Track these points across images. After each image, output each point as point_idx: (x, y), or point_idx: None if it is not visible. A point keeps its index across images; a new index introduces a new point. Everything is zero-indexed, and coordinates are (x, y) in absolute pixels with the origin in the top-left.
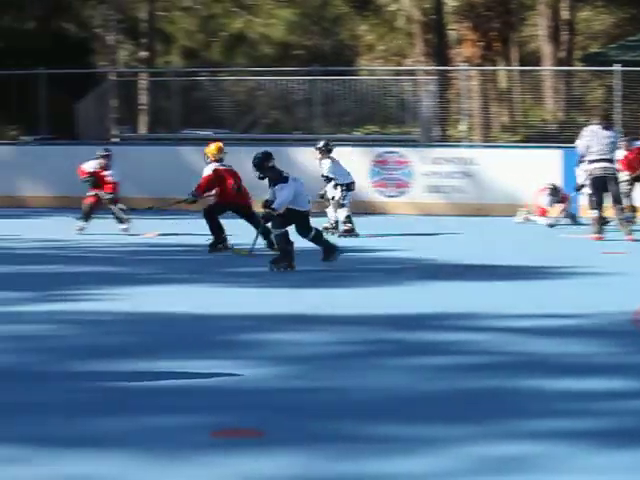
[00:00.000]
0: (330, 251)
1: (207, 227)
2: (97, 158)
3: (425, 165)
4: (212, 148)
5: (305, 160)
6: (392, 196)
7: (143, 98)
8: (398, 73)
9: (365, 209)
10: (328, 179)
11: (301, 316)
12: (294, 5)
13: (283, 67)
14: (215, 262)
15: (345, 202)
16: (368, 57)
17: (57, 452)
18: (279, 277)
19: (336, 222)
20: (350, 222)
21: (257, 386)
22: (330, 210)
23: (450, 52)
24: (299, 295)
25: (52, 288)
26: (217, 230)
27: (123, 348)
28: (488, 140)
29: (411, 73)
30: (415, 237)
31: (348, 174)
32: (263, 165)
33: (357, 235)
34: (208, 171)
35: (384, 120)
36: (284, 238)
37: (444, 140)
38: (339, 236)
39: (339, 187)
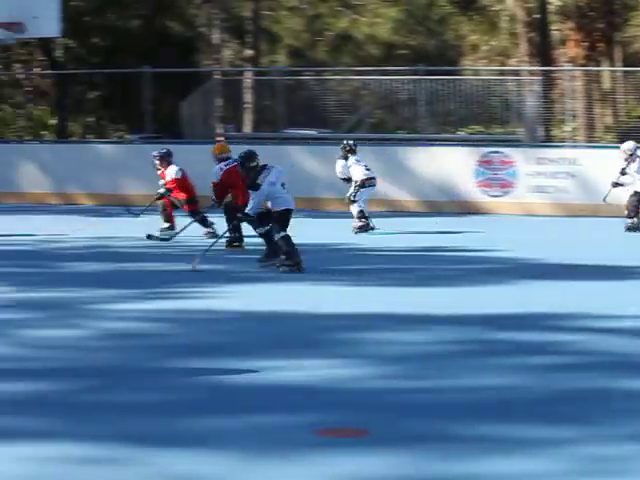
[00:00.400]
0: (270, 255)
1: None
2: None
3: (529, 165)
4: (214, 148)
5: (409, 159)
6: (496, 196)
7: (248, 97)
8: (502, 73)
9: (469, 209)
10: (346, 180)
11: (402, 315)
12: (399, 5)
13: (388, 67)
14: (320, 260)
15: (357, 198)
16: (472, 57)
17: (160, 451)
18: (380, 276)
19: (364, 217)
20: (364, 218)
21: (360, 385)
22: (355, 208)
23: (554, 52)
24: (399, 294)
25: (156, 286)
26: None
27: (227, 346)
28: (592, 140)
29: (515, 73)
30: (516, 237)
31: (367, 170)
32: (245, 164)
33: (373, 229)
34: (215, 173)
35: (488, 120)
36: (286, 241)
37: (548, 140)
38: (355, 233)
39: (352, 184)
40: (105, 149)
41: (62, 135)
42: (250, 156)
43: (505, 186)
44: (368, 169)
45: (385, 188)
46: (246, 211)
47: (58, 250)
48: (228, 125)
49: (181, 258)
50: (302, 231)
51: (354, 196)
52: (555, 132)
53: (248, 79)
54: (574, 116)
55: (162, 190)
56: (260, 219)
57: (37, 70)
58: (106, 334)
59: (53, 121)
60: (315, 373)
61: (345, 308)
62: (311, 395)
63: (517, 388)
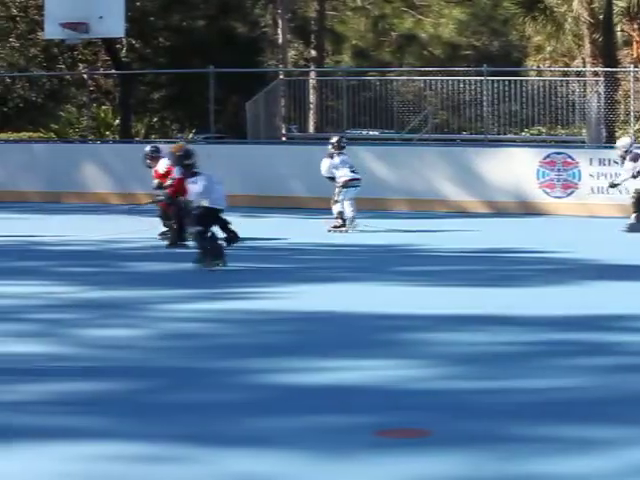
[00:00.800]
0: (204, 256)
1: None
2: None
3: (592, 166)
4: (173, 147)
5: (472, 160)
6: (559, 197)
7: (312, 97)
8: (566, 74)
9: (532, 210)
10: (330, 179)
11: (466, 316)
12: (464, 5)
13: (452, 67)
14: (384, 261)
15: (339, 198)
16: (536, 58)
17: (222, 450)
18: (445, 277)
19: (352, 217)
20: (342, 219)
21: (424, 386)
22: (347, 207)
23: (618, 53)
24: (465, 295)
25: (219, 286)
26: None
27: (291, 347)
28: None
29: (579, 74)
30: (579, 238)
31: (353, 171)
32: (181, 161)
33: (346, 231)
34: (178, 169)
35: (552, 121)
36: (201, 236)
37: (611, 141)
38: (328, 231)
39: (336, 184)
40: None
41: (126, 135)
42: (186, 154)
43: (568, 187)
44: (353, 170)
45: (449, 189)
46: (189, 200)
47: (122, 250)
48: (292, 125)
49: (243, 258)
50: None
51: (337, 195)
52: (618, 133)
53: (312, 79)
54: (638, 117)
55: (169, 181)
56: (198, 219)
57: (101, 70)
58: (171, 334)
59: (117, 121)
60: (379, 374)
61: (410, 309)
62: (375, 396)
63: (581, 388)
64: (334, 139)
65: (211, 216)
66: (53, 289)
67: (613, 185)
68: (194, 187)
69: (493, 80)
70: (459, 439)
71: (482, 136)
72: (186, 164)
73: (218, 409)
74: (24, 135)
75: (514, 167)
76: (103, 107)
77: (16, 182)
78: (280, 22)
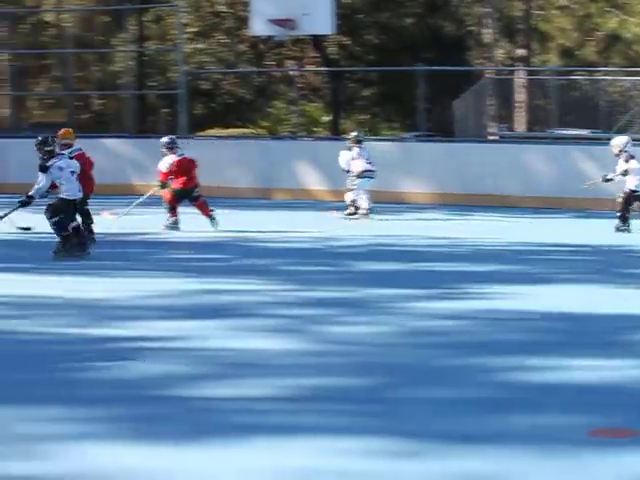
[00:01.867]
0: (63, 246)
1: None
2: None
3: None
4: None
5: None
6: None
7: (519, 97)
8: None
9: None
10: (346, 171)
11: None
12: None
13: None
14: (609, 262)
15: (352, 187)
16: None
17: (445, 447)
18: None
19: (367, 209)
20: (354, 207)
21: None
22: (363, 200)
23: None
24: None
25: (449, 286)
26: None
27: (526, 345)
28: None
29: None
30: None
31: (369, 163)
32: (40, 148)
33: (357, 219)
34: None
35: None
36: (58, 226)
37: None
38: (343, 218)
39: (350, 174)
40: (380, 146)
41: (335, 132)
42: (45, 141)
43: None
44: (369, 162)
45: None
46: (30, 193)
47: (341, 248)
48: (501, 124)
49: (467, 258)
50: (579, 231)
51: (350, 185)
52: None
53: (520, 79)
54: None
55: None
56: (54, 210)
57: (309, 67)
58: (411, 331)
59: (326, 118)
60: (615, 374)
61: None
62: (589, 394)
63: None
64: (353, 134)
65: (67, 207)
66: (285, 287)
67: (607, 180)
68: (44, 176)
69: None
70: None
71: None
72: (47, 151)
73: (454, 406)
74: (232, 131)
75: None
76: (311, 104)
77: (227, 178)
78: (489, 21)
